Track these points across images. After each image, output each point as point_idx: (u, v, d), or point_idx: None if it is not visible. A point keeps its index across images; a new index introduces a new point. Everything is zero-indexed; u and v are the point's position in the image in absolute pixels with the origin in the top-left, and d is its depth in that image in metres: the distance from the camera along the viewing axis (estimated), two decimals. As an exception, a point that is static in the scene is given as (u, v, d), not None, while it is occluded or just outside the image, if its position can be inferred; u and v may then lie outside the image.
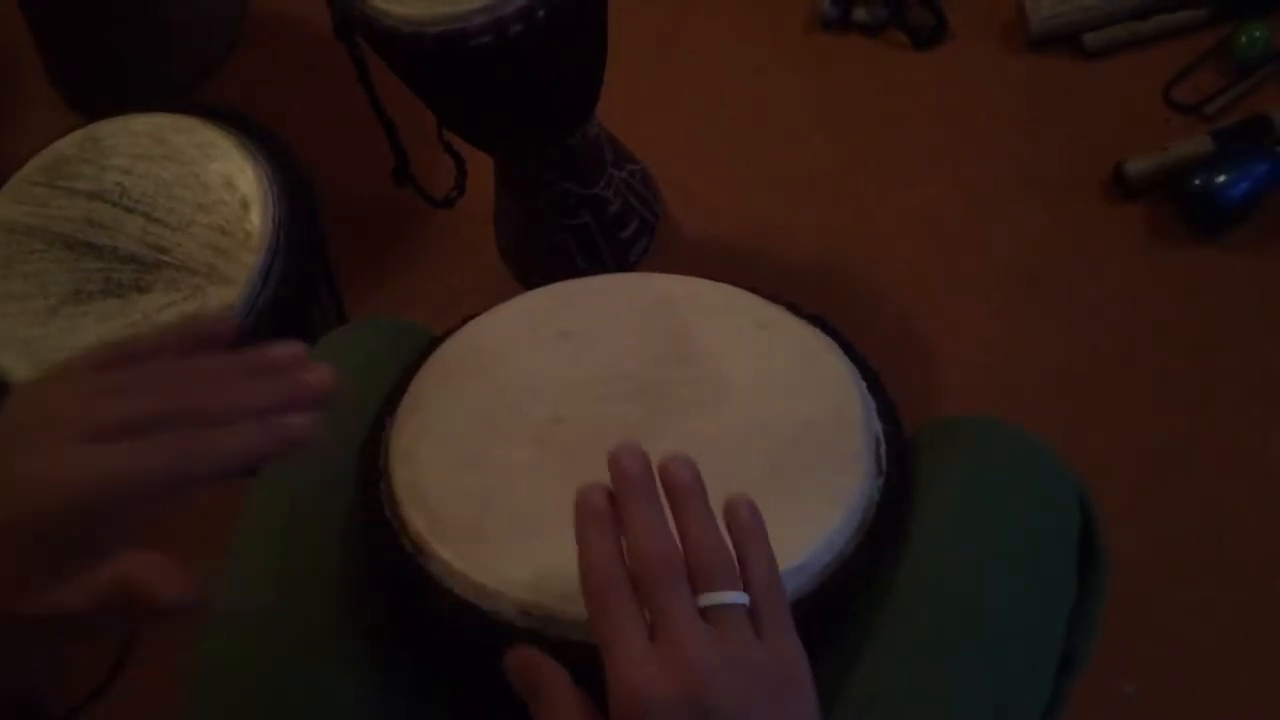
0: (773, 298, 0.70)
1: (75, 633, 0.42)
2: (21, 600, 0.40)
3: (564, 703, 0.46)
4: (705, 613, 0.45)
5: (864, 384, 0.65)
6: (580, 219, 1.28)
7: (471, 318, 0.72)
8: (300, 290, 0.91)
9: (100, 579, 0.41)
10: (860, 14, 1.51)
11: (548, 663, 0.47)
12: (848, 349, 0.68)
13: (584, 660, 0.54)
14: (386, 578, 0.63)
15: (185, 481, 0.42)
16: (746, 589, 0.46)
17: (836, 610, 0.59)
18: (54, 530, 0.40)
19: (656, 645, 0.44)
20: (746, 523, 0.48)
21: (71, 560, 0.40)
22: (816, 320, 0.70)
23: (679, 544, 0.46)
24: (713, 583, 0.45)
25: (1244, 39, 1.36)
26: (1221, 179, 1.24)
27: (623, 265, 1.34)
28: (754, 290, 0.71)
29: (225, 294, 0.87)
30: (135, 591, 0.40)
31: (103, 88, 1.65)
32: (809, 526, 0.58)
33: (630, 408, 0.64)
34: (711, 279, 0.71)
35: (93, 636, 0.43)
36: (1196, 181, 1.25)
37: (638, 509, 0.46)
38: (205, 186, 0.92)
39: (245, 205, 0.90)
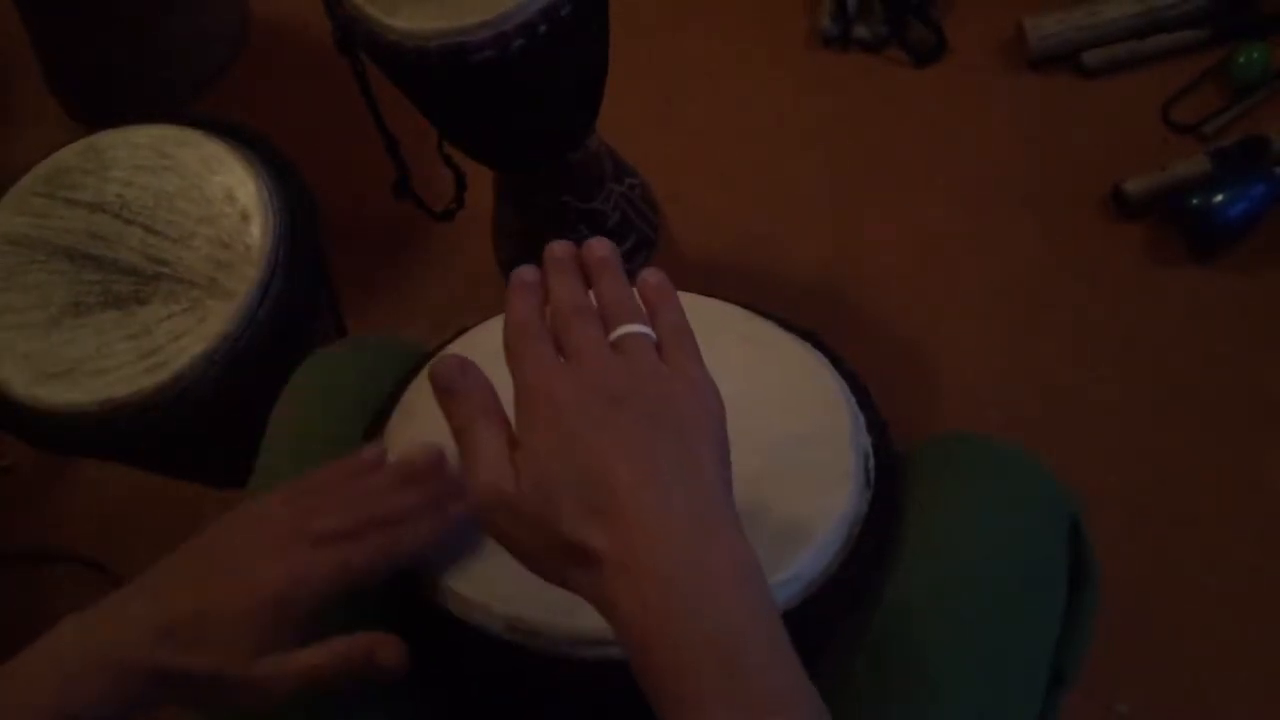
0: (764, 312, 0.70)
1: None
2: (252, 666, 0.52)
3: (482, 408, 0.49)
4: (613, 345, 0.49)
5: (853, 399, 0.65)
6: (579, 233, 1.28)
7: (465, 330, 0.72)
8: (300, 303, 0.91)
9: (347, 644, 0.54)
10: (861, 31, 1.51)
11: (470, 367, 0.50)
12: (837, 363, 0.68)
13: (572, 675, 0.55)
14: (378, 593, 0.63)
15: (388, 569, 0.56)
16: (655, 331, 0.50)
17: (825, 624, 0.59)
18: (292, 613, 0.53)
19: (567, 363, 0.48)
20: (655, 283, 0.52)
21: (296, 634, 0.53)
22: (808, 335, 0.70)
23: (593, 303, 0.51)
24: (619, 320, 0.50)
25: (1242, 59, 1.36)
26: (1220, 199, 1.25)
27: (621, 279, 1.34)
28: (745, 304, 0.71)
29: (225, 307, 0.87)
30: (369, 658, 0.54)
31: (103, 98, 1.66)
32: (796, 541, 0.58)
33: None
34: (708, 294, 0.71)
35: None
36: (1195, 201, 1.26)
37: (559, 279, 0.52)
38: (206, 199, 0.92)
39: (246, 218, 0.90)
